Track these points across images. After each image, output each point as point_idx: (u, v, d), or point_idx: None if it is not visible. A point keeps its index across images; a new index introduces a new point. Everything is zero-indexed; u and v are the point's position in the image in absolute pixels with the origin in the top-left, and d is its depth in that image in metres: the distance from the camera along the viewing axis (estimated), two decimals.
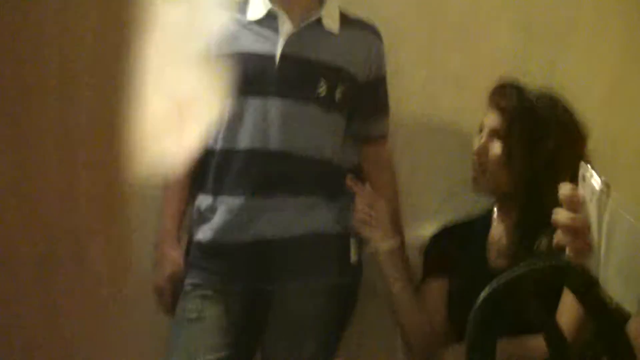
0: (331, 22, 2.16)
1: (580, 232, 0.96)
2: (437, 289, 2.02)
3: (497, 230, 1.99)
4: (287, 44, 2.11)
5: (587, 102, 2.08)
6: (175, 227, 2.25)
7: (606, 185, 0.91)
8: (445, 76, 2.41)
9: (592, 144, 1.93)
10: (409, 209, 2.30)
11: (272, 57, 2.10)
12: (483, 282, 1.59)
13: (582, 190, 0.98)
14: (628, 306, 0.95)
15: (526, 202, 1.87)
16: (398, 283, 1.98)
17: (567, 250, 1.01)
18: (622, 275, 0.92)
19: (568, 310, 1.71)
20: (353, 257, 2.15)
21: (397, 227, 2.23)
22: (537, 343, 1.66)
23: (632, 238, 0.87)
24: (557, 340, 1.62)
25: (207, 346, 2.04)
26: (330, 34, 2.15)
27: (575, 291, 1.52)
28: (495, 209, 2.03)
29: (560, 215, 1.00)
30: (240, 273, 2.12)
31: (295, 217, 2.08)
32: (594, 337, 1.62)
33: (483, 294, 1.58)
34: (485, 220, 2.05)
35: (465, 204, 2.19)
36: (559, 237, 1.02)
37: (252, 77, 2.08)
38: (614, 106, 2.30)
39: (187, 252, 2.23)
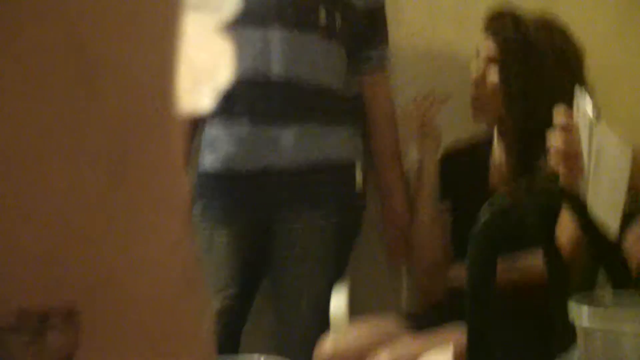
0: None
1: (572, 155, 1.02)
2: (441, 212, 2.09)
3: (497, 155, 2.05)
4: None
5: (591, 35, 2.10)
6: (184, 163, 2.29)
7: (597, 111, 0.97)
8: (445, 5, 2.43)
9: (594, 76, 1.97)
10: (410, 137, 2.34)
11: None
12: (484, 203, 1.66)
13: (576, 115, 1.04)
14: (611, 226, 1.02)
15: (523, 127, 1.92)
16: (429, 201, 2.05)
17: (560, 173, 1.07)
18: (607, 197, 0.99)
19: (565, 230, 1.79)
20: (359, 184, 2.21)
21: (398, 156, 2.29)
22: (536, 261, 1.74)
23: (618, 163, 0.93)
24: (554, 259, 1.70)
25: (215, 282, 2.09)
26: None
27: (571, 212, 1.60)
28: (495, 135, 2.08)
29: (554, 139, 1.06)
30: (246, 203, 2.17)
31: (299, 145, 2.12)
32: (590, 254, 1.69)
33: (483, 216, 1.66)
34: (486, 146, 2.11)
35: (466, 131, 2.24)
36: (552, 160, 1.08)
37: (252, 7, 2.10)
38: (618, 39, 2.32)
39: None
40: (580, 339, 0.77)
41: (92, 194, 0.33)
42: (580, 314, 0.76)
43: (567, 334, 0.88)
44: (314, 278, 2.10)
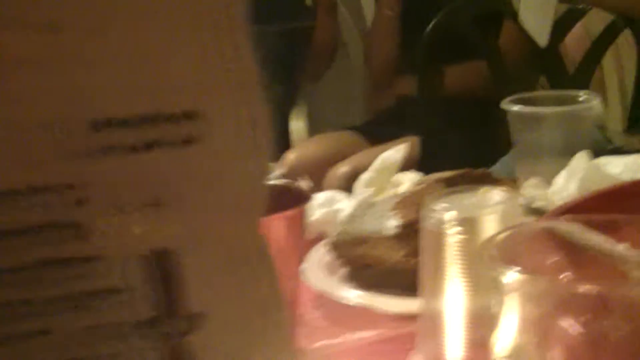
0: None
1: None
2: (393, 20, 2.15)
3: None
4: None
5: None
6: None
7: None
8: None
9: None
10: None
11: None
12: (430, 10, 1.72)
13: None
14: (539, 36, 1.09)
15: None
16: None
17: None
18: (537, 9, 1.06)
19: (507, 35, 1.86)
20: None
21: None
22: (480, 67, 1.84)
23: None
24: (496, 61, 1.79)
25: None
26: None
27: (511, 16, 1.67)
28: None
29: None
30: None
31: None
32: (529, 56, 1.78)
33: (430, 25, 1.72)
34: None
35: None
36: None
37: None
38: None
39: None
40: (512, 130, 0.87)
41: None
42: (511, 112, 0.85)
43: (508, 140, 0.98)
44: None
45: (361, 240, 0.73)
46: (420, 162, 1.61)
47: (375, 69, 2.19)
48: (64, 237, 0.27)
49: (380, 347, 0.64)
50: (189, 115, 0.26)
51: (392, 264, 0.71)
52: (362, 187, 0.85)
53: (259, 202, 0.28)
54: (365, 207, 0.78)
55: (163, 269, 0.29)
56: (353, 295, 0.70)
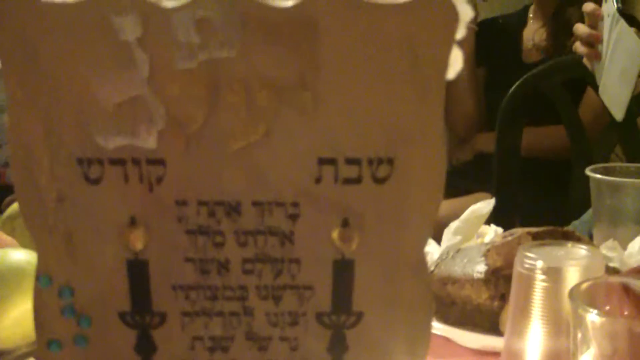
0: None
1: (593, 40, 1.16)
2: (479, 77, 2.23)
3: (533, 25, 2.16)
4: None
5: None
6: None
7: (620, 6, 1.10)
8: None
9: None
10: None
11: None
12: (516, 73, 1.80)
13: (604, 7, 1.16)
14: (616, 114, 1.16)
15: (560, 6, 2.03)
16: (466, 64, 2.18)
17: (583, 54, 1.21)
18: (616, 87, 1.13)
19: (589, 104, 1.94)
20: None
21: None
22: (561, 131, 1.90)
23: (630, 55, 1.06)
24: (576, 128, 1.86)
25: None
26: None
27: (595, 86, 1.74)
28: (532, 6, 2.19)
29: (580, 29, 1.19)
30: None
31: None
32: (609, 128, 1.84)
33: (515, 85, 1.80)
34: (521, 16, 2.22)
35: (501, 2, 2.35)
36: (576, 46, 1.22)
37: None
38: None
39: None
40: (592, 195, 0.95)
41: None
42: (594, 179, 0.93)
43: (585, 203, 1.05)
44: None
45: (450, 280, 0.81)
46: (493, 218, 1.68)
47: (453, 123, 2.27)
48: (279, 240, 0.38)
49: None
50: (389, 160, 0.36)
51: (477, 304, 0.79)
52: (451, 234, 0.94)
53: (428, 227, 0.37)
54: (454, 251, 0.86)
55: (342, 273, 0.39)
56: (438, 327, 0.79)
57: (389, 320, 0.40)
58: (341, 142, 0.36)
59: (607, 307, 0.56)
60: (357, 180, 0.36)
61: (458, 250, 0.86)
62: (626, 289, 0.58)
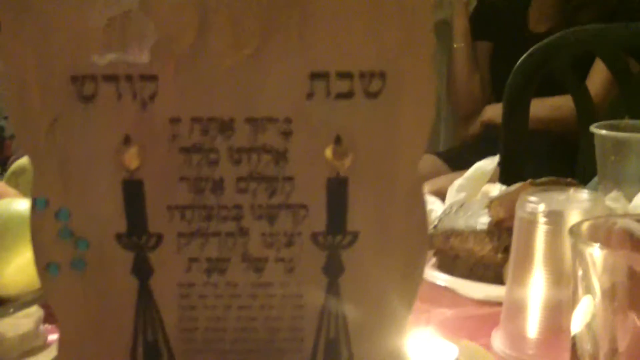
0: None
1: None
2: (482, 50, 2.22)
3: (538, 2, 2.15)
4: None
5: None
6: None
7: None
8: None
9: None
10: None
11: None
12: (523, 44, 1.79)
13: None
14: None
15: None
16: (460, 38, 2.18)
17: None
18: None
19: (597, 75, 1.93)
20: None
21: None
22: (567, 102, 1.89)
23: None
24: (584, 100, 1.85)
25: None
26: None
27: (604, 57, 1.73)
28: None
29: None
30: None
31: None
32: (617, 100, 1.83)
33: (521, 58, 1.79)
34: None
35: None
36: None
37: None
38: None
39: None
40: (597, 153, 0.94)
41: None
42: (599, 136, 0.93)
43: (591, 175, 1.05)
44: None
45: (453, 234, 0.81)
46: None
47: (457, 102, 2.27)
48: (273, 158, 0.38)
49: (464, 323, 0.72)
50: (381, 74, 0.36)
51: (480, 256, 0.79)
52: (455, 191, 0.94)
53: (421, 146, 0.37)
54: (458, 207, 0.86)
55: (336, 192, 0.39)
56: (442, 278, 0.79)
57: (384, 241, 0.40)
58: (332, 56, 0.36)
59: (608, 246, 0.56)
60: (349, 95, 0.36)
61: (462, 205, 0.86)
62: (627, 232, 0.58)
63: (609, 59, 1.76)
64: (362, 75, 0.36)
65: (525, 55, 1.82)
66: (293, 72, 0.36)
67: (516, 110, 1.94)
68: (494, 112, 2.09)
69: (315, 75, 0.36)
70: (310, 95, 0.36)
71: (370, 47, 0.36)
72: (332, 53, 0.36)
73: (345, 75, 0.36)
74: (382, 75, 0.36)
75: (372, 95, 0.36)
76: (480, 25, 2.25)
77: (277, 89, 0.36)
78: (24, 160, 0.78)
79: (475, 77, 2.19)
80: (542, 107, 2.00)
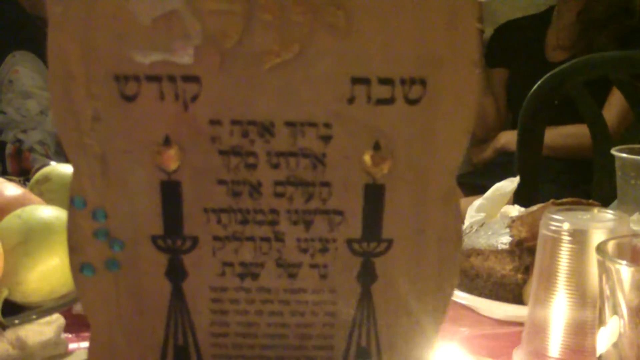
0: None
1: None
2: (499, 77, 2.23)
3: (558, 24, 2.15)
4: None
5: None
6: None
7: None
8: None
9: None
10: None
11: None
12: (539, 72, 1.79)
13: None
14: None
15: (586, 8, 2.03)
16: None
17: None
18: None
19: (613, 104, 1.93)
20: None
21: None
22: (582, 130, 1.89)
23: None
24: (600, 129, 1.85)
25: None
26: None
27: (620, 85, 1.73)
28: (557, 6, 2.19)
29: None
30: None
31: None
32: (633, 129, 1.83)
33: (537, 84, 1.79)
34: (545, 16, 2.22)
35: (525, 2, 2.35)
36: None
37: None
38: None
39: None
40: (618, 177, 0.94)
41: None
42: (619, 158, 0.93)
43: (607, 202, 1.05)
44: None
45: (474, 253, 0.81)
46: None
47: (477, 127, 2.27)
48: (311, 163, 0.38)
49: (484, 342, 0.72)
50: (421, 81, 0.36)
51: (501, 276, 0.79)
52: (474, 211, 0.94)
53: (458, 155, 0.37)
54: (478, 226, 0.86)
55: (373, 198, 0.39)
56: (462, 296, 0.79)
57: (418, 250, 0.40)
58: (374, 62, 0.36)
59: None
60: (390, 101, 0.37)
61: (482, 224, 0.86)
62: None
63: (624, 86, 1.76)
64: (402, 81, 0.36)
65: (540, 80, 1.82)
66: (334, 76, 0.36)
67: (531, 135, 1.94)
68: (508, 138, 2.09)
69: (356, 80, 0.36)
70: (351, 100, 0.37)
71: (412, 54, 0.36)
72: (374, 58, 0.36)
73: (386, 81, 0.36)
74: (423, 82, 0.36)
75: (413, 101, 0.36)
76: (497, 52, 2.26)
77: (317, 92, 0.37)
78: (47, 169, 0.78)
79: (489, 102, 2.19)
80: (558, 135, 2.00)
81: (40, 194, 0.76)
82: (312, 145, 0.37)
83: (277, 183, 0.38)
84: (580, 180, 1.94)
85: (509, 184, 0.94)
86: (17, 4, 1.98)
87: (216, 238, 0.39)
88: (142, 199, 0.39)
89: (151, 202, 0.39)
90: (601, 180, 1.74)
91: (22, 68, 1.87)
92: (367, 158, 0.38)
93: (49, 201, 0.73)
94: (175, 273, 0.40)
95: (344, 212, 0.39)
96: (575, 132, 1.99)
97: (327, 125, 0.37)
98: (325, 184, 0.38)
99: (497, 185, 0.94)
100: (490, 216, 0.93)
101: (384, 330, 0.41)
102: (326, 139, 0.37)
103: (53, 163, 0.90)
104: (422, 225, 0.39)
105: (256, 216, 0.39)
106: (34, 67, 1.89)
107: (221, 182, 0.38)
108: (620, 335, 0.53)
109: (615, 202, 1.03)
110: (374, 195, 0.38)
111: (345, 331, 0.41)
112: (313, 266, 0.40)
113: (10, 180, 0.76)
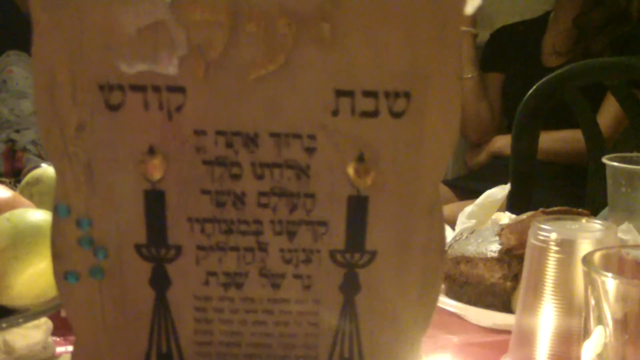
0: None
1: None
2: (494, 82, 2.23)
3: (554, 30, 2.16)
4: None
5: None
6: None
7: None
8: None
9: None
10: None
11: None
12: (535, 77, 1.80)
13: None
14: None
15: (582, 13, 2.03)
16: (469, 69, 2.18)
17: None
18: None
19: (608, 110, 1.93)
20: None
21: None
22: (577, 135, 1.90)
23: None
24: (594, 134, 1.85)
25: None
26: None
27: (615, 91, 1.74)
28: (553, 11, 2.19)
29: None
30: None
31: None
32: (627, 135, 1.84)
33: (533, 89, 1.79)
34: (541, 21, 2.22)
35: (521, 6, 2.35)
36: None
37: None
38: None
39: None
40: (609, 185, 0.94)
41: None
42: (610, 167, 0.93)
43: (600, 207, 1.05)
44: None
45: (463, 260, 0.81)
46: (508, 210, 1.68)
47: (465, 128, 2.27)
48: (295, 174, 0.38)
49: (472, 350, 0.72)
50: (406, 94, 0.36)
51: (490, 283, 0.79)
52: (465, 218, 0.94)
53: (442, 167, 0.37)
54: (468, 233, 0.86)
55: (357, 210, 0.39)
56: (450, 304, 0.79)
57: (401, 261, 0.40)
58: (359, 75, 0.36)
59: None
60: (374, 114, 0.37)
61: (472, 232, 0.86)
62: (639, 263, 0.58)
63: (619, 91, 1.76)
64: (387, 94, 0.36)
65: (536, 85, 1.82)
66: (319, 88, 0.36)
67: (525, 139, 1.94)
68: (503, 142, 2.09)
69: (340, 93, 0.36)
70: (335, 112, 0.37)
71: (397, 67, 0.36)
72: (359, 70, 0.36)
73: (370, 94, 0.36)
74: (407, 95, 0.36)
75: (397, 114, 0.37)
76: (493, 57, 2.26)
77: (302, 103, 0.37)
78: (38, 171, 0.78)
79: (483, 106, 2.20)
80: (552, 140, 2.00)
81: (31, 196, 0.76)
82: (297, 157, 0.38)
83: (262, 194, 0.38)
84: (575, 185, 1.94)
85: (500, 191, 0.94)
86: (10, 3, 1.98)
87: (200, 247, 0.39)
88: (126, 207, 0.39)
89: (135, 210, 0.39)
90: (595, 185, 1.74)
91: (16, 68, 1.86)
92: (351, 170, 0.38)
93: (39, 204, 0.73)
94: (159, 282, 0.40)
95: (327, 223, 0.39)
96: (570, 137, 1.99)
97: (311, 137, 0.37)
98: (310, 195, 0.38)
99: (488, 192, 0.95)
100: (481, 223, 0.93)
101: (367, 340, 0.42)
102: (310, 150, 0.37)
103: (45, 164, 0.90)
104: (406, 237, 0.39)
105: (240, 226, 0.39)
106: (27, 67, 1.88)
107: (205, 192, 0.38)
108: (605, 345, 0.53)
109: (606, 209, 1.03)
110: (358, 206, 0.38)
111: (328, 341, 0.41)
112: (297, 276, 0.40)
113: (0, 182, 0.76)
